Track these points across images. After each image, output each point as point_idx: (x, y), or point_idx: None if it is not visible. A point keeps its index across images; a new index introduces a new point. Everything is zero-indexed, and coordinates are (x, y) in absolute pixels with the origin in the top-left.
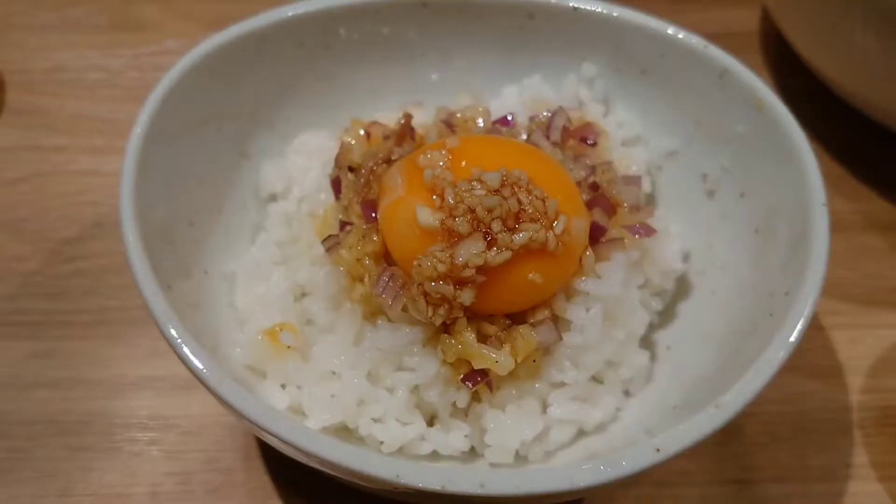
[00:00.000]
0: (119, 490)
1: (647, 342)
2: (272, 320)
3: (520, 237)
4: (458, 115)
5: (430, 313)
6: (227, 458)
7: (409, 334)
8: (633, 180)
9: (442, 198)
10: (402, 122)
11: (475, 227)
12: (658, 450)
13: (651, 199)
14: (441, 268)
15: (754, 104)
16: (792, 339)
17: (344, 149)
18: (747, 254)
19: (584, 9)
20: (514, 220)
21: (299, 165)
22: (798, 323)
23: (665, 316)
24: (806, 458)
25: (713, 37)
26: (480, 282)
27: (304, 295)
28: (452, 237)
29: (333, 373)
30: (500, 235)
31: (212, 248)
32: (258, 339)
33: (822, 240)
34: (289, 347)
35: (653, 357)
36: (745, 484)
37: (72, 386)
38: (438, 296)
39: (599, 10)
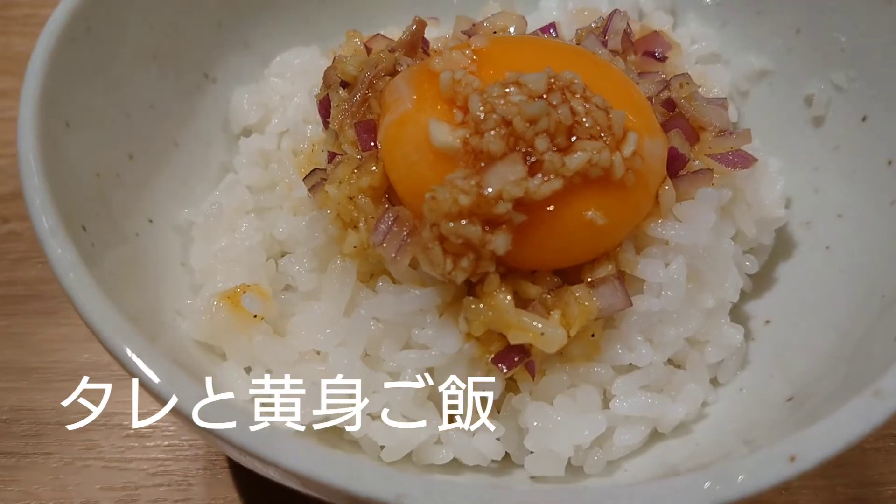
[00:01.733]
0: None
1: (738, 314)
2: (235, 281)
3: (575, 159)
4: (486, 24)
5: (448, 266)
6: (182, 469)
7: (420, 298)
8: (718, 102)
9: (465, 110)
10: (413, 29)
11: (512, 145)
12: (792, 458)
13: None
14: (465, 200)
15: None
16: None
17: (335, 63)
18: (876, 195)
19: None
20: (566, 137)
21: (280, 91)
22: None
23: (761, 280)
24: None
25: None
26: (519, 222)
27: (282, 254)
28: (480, 160)
29: (318, 352)
30: (547, 157)
31: (160, 191)
32: (214, 306)
33: None
34: (255, 317)
35: (747, 334)
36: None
37: None
38: (460, 241)
39: None
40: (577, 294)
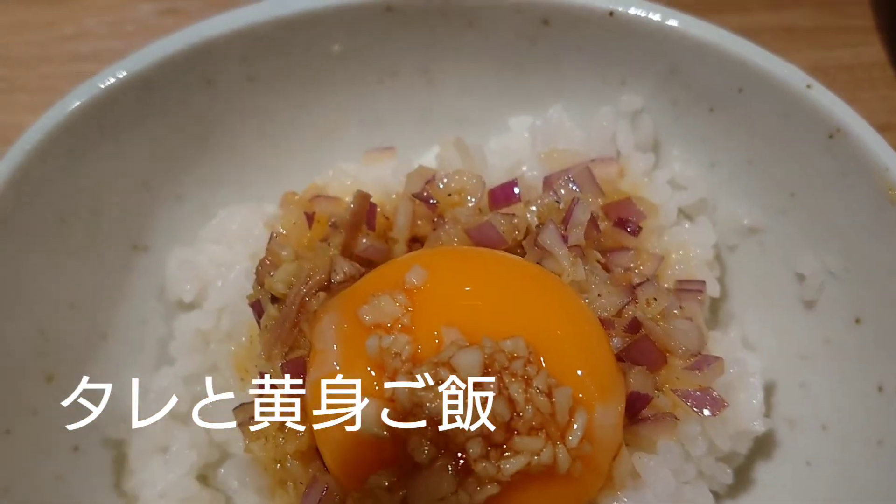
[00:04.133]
0: None
1: None
2: None
3: (512, 464)
4: (441, 185)
5: None
6: None
7: None
8: (693, 290)
9: (393, 381)
10: (355, 207)
11: (442, 446)
12: None
13: (717, 302)
14: None
15: (886, 192)
16: None
17: (268, 255)
18: (864, 422)
19: (624, 13)
20: (504, 433)
21: (218, 259)
22: None
23: (737, 485)
24: None
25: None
26: None
27: (222, 456)
28: (406, 459)
29: None
30: (479, 465)
31: (82, 406)
32: None
33: None
34: None
35: None
36: None
37: None
38: None
39: (647, 15)
40: None
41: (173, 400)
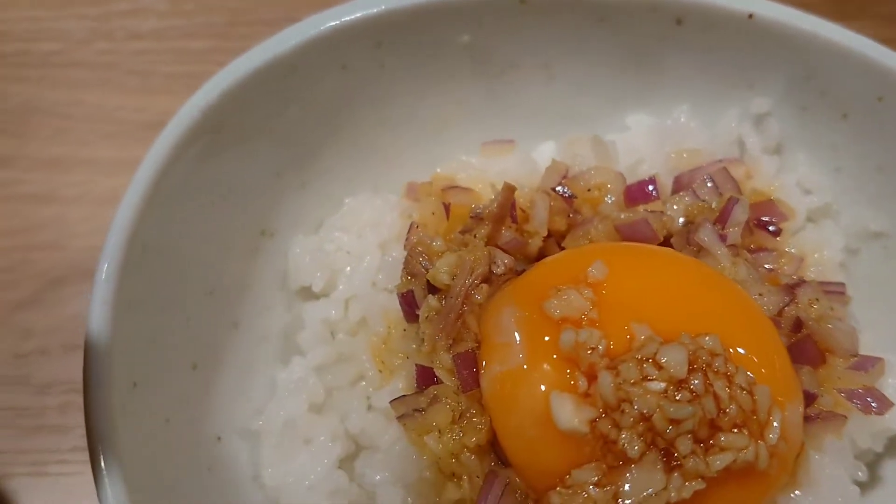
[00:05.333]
0: None
1: None
2: None
3: (719, 459)
4: (581, 184)
5: None
6: None
7: None
8: (835, 291)
9: (589, 377)
10: (500, 199)
11: (649, 442)
12: None
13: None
14: None
15: None
16: None
17: (416, 245)
18: None
19: (764, 16)
20: (708, 430)
21: (346, 247)
22: None
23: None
24: None
25: None
26: None
27: (358, 449)
28: (610, 453)
29: None
30: (689, 461)
31: (225, 397)
32: None
33: None
34: None
35: None
36: None
37: None
38: None
39: (786, 19)
40: None
41: (311, 387)
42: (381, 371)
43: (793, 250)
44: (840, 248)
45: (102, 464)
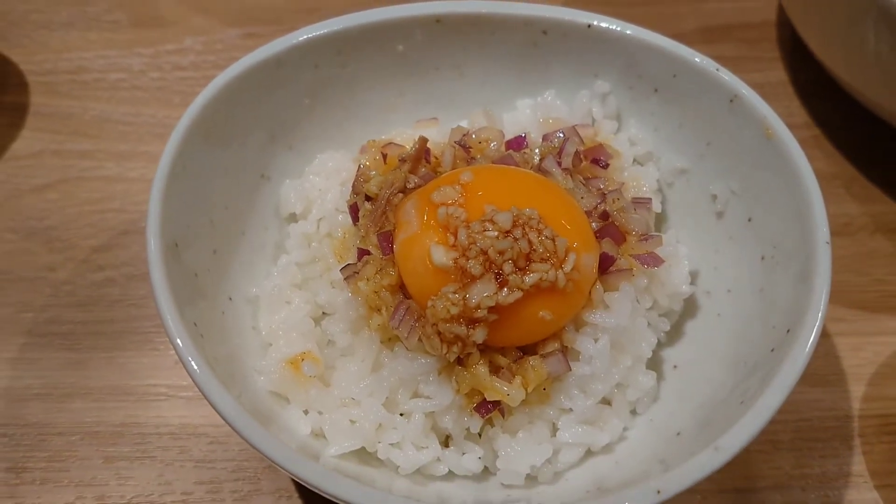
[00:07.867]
0: (153, 498)
1: (654, 360)
2: (294, 347)
3: (530, 278)
4: (473, 136)
5: (444, 350)
6: (253, 467)
7: (425, 364)
8: (643, 203)
9: (455, 236)
10: (417, 146)
11: (487, 267)
12: (658, 492)
13: (661, 217)
14: (454, 310)
15: (764, 132)
16: (789, 382)
17: (360, 175)
18: (752, 281)
19: (598, 26)
20: (524, 261)
21: (318, 186)
22: (797, 366)
23: (672, 334)
24: (806, 467)
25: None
26: (492, 320)
27: (324, 315)
28: (465, 277)
29: (353, 399)
30: (510, 277)
31: (235, 273)
32: (281, 368)
33: (824, 281)
34: (311, 377)
35: (659, 376)
36: (746, 493)
37: (104, 396)
38: (452, 335)
39: (613, 27)
40: (533, 363)
41: (292, 272)
42: (339, 261)
43: (618, 180)
44: (654, 180)
45: (170, 322)
